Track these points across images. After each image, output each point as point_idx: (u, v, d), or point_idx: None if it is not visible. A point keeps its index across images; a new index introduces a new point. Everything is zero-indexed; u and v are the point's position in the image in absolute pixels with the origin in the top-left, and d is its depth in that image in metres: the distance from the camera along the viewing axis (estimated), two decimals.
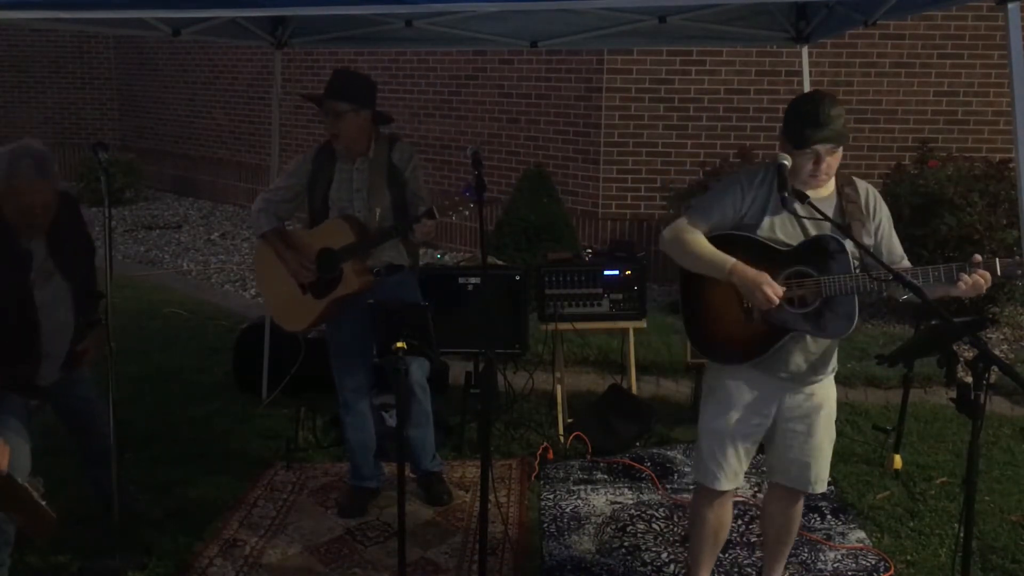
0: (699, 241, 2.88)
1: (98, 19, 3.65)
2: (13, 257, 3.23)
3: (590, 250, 5.58)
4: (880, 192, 3.06)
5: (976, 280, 2.70)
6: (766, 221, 2.85)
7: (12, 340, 3.23)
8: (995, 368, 2.36)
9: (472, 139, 9.02)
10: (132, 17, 3.58)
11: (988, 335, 6.47)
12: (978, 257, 2.74)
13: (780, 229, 2.86)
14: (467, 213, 3.54)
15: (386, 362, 3.07)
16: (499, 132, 9.00)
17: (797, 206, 2.77)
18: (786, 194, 2.75)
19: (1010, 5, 2.90)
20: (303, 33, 5.07)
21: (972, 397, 2.45)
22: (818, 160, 2.77)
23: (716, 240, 2.89)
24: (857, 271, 2.80)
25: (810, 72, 4.96)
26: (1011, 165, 5.95)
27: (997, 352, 6.23)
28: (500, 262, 6.29)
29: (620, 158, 8.16)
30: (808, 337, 2.88)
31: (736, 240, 2.87)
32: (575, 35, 5.00)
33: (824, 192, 2.88)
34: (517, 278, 4.98)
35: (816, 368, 2.95)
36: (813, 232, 2.86)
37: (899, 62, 7.81)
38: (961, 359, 2.92)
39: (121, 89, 14.12)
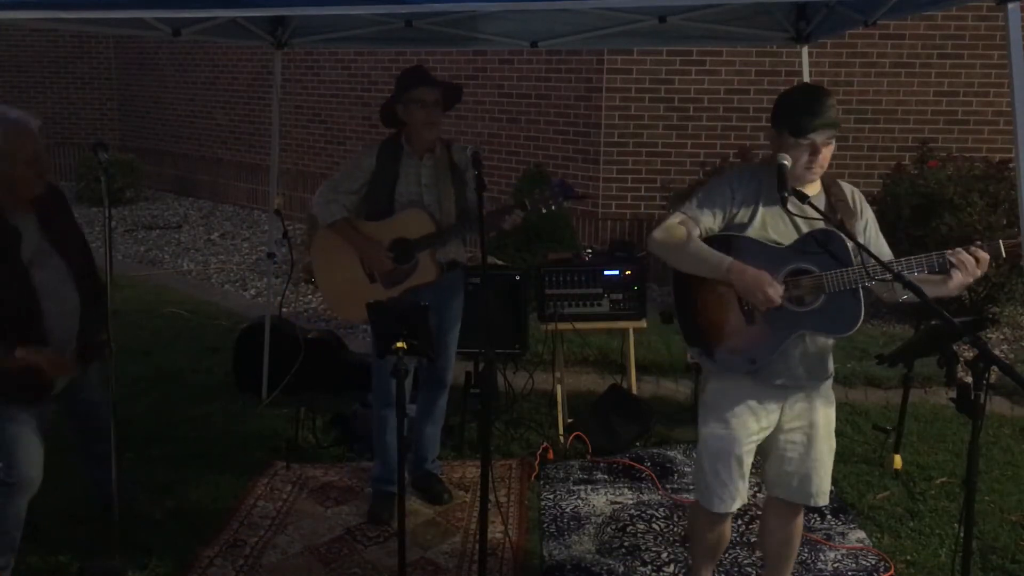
0: (693, 240, 2.81)
1: (98, 19, 3.64)
2: (2, 235, 3.15)
3: (590, 250, 5.57)
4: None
5: (969, 259, 2.65)
6: (757, 220, 2.81)
7: (15, 328, 3.13)
8: (995, 368, 2.36)
9: (472, 139, 9.02)
10: (132, 17, 3.58)
11: (988, 335, 6.47)
12: (979, 245, 2.71)
13: (772, 227, 2.81)
14: (554, 207, 3.69)
15: (418, 364, 3.04)
16: (499, 132, 9.00)
17: (792, 206, 2.75)
18: (786, 194, 2.74)
19: (1010, 5, 2.89)
20: (303, 33, 5.07)
21: (972, 397, 2.45)
22: (815, 151, 2.72)
23: (709, 243, 2.82)
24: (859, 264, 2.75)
25: (810, 72, 4.96)
26: (1011, 165, 5.95)
27: (997, 352, 6.23)
28: (500, 262, 6.29)
29: (620, 158, 8.16)
30: (807, 338, 2.82)
31: (730, 241, 2.82)
32: (575, 35, 4.99)
33: (812, 191, 2.82)
34: (517, 278, 4.99)
35: (812, 371, 2.88)
36: (806, 229, 2.81)
37: (899, 62, 7.81)
38: (961, 359, 2.92)
39: (121, 89, 14.12)
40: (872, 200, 7.17)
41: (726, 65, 7.90)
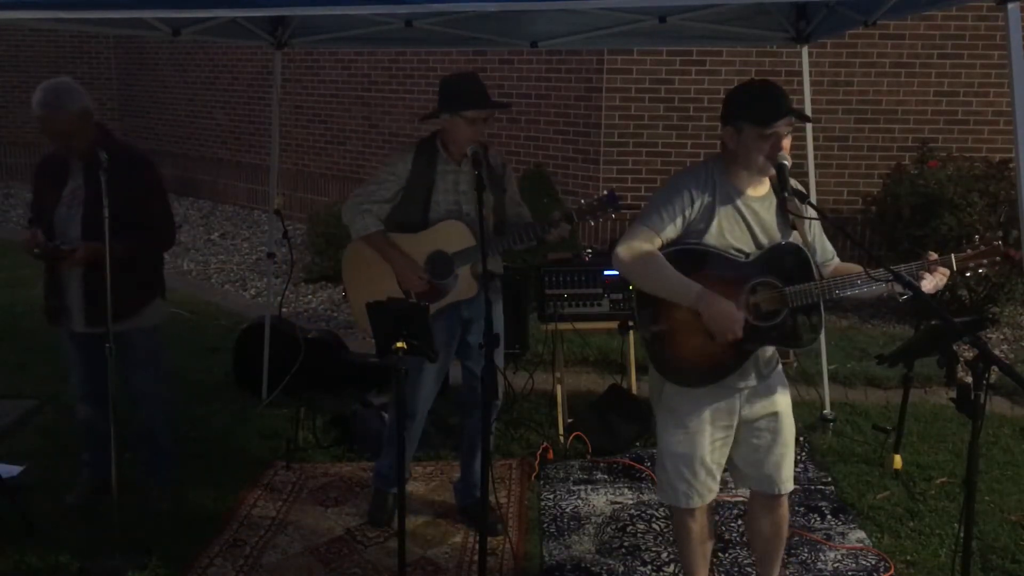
0: (660, 263, 2.72)
1: (98, 19, 3.65)
2: (54, 172, 3.82)
3: (590, 250, 5.56)
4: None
5: (937, 279, 2.71)
6: (715, 224, 2.74)
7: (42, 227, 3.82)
8: (995, 368, 2.36)
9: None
10: (132, 17, 3.58)
11: (988, 335, 6.47)
12: (933, 254, 2.74)
13: (728, 232, 2.76)
14: (602, 219, 3.54)
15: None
16: (499, 132, 9.00)
17: (791, 206, 2.72)
18: (787, 194, 2.73)
19: (1010, 5, 2.89)
20: (303, 33, 5.07)
21: (972, 397, 2.45)
22: (777, 142, 2.66)
23: (672, 256, 2.74)
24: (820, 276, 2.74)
25: (810, 72, 4.96)
26: (1011, 165, 5.96)
27: (997, 352, 6.23)
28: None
29: (620, 158, 8.16)
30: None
31: (693, 255, 2.75)
32: (575, 35, 5.00)
33: (762, 191, 2.78)
34: (517, 278, 4.99)
35: (765, 369, 2.89)
36: (759, 232, 2.78)
37: (899, 62, 7.81)
38: (961, 359, 2.92)
39: (121, 89, 14.12)
40: (872, 200, 7.19)
41: (726, 65, 7.89)
